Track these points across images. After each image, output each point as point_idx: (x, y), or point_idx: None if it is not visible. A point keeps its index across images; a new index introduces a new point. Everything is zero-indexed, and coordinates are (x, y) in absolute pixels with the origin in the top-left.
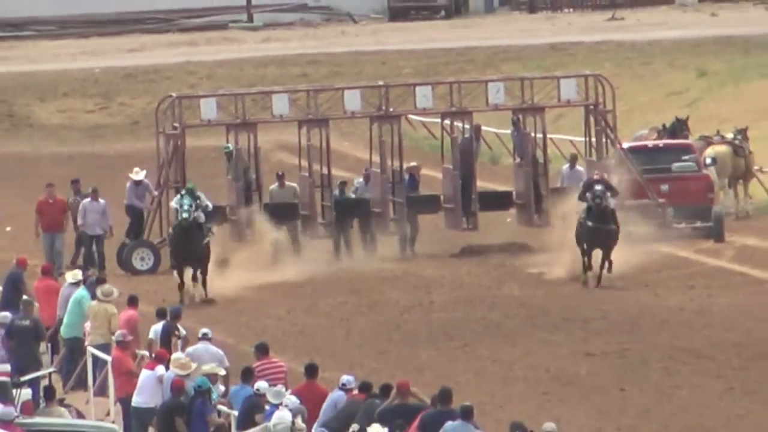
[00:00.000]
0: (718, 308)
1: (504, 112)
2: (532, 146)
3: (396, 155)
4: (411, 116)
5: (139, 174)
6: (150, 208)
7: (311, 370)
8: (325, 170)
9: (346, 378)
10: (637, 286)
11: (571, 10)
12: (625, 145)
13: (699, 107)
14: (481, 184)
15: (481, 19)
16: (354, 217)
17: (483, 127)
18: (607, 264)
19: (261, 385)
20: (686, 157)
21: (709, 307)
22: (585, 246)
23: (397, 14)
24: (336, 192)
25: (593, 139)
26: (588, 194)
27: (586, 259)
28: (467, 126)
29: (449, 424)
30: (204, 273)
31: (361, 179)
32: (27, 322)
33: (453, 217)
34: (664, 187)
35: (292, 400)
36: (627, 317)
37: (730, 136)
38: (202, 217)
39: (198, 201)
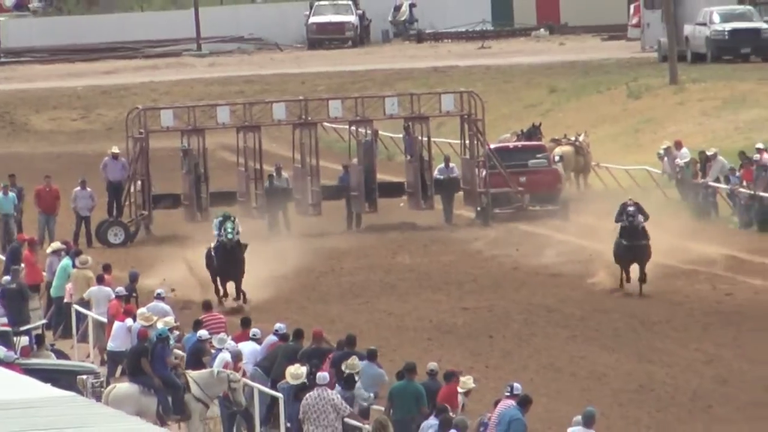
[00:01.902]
0: (566, 272)
1: (397, 121)
2: (419, 147)
3: (313, 154)
4: (325, 124)
5: (115, 149)
6: (125, 182)
7: (246, 322)
8: (257, 166)
9: (278, 325)
10: (502, 256)
11: (450, 40)
12: (492, 146)
13: (549, 116)
14: (380, 177)
15: (380, 48)
16: (280, 202)
17: (380, 132)
18: (643, 275)
19: (202, 333)
20: (539, 156)
21: (559, 271)
22: (621, 261)
23: (314, 44)
24: (266, 183)
25: (467, 142)
26: (623, 215)
27: (623, 273)
28: (369, 131)
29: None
30: (240, 283)
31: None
32: (14, 286)
33: (358, 202)
34: (522, 179)
35: (231, 344)
36: (493, 280)
37: (576, 137)
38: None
39: (236, 223)
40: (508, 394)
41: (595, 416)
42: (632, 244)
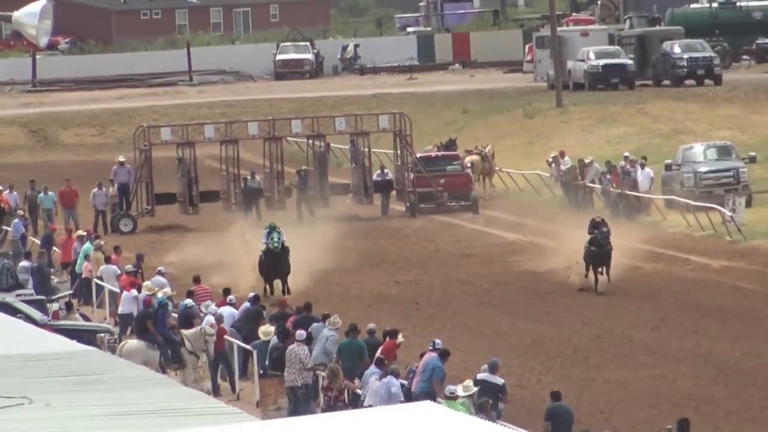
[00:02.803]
0: (476, 254)
1: (345, 136)
2: (362, 156)
3: (279, 162)
4: (288, 138)
5: (121, 158)
6: (132, 184)
7: (226, 291)
8: (236, 171)
9: (251, 294)
10: (425, 241)
11: (385, 73)
12: (418, 155)
13: (463, 132)
14: (331, 179)
15: (331, 79)
16: (254, 199)
17: (332, 144)
18: (606, 276)
19: (188, 301)
20: (455, 162)
21: (471, 252)
22: (591, 265)
23: (280, 76)
24: (243, 184)
25: (399, 152)
26: (594, 228)
27: (588, 273)
28: (322, 144)
29: (315, 324)
30: (286, 281)
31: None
32: (36, 264)
33: (314, 198)
34: (442, 181)
35: (214, 309)
36: (420, 260)
37: (482, 149)
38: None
39: (281, 233)
40: (431, 348)
41: (498, 365)
42: (600, 251)
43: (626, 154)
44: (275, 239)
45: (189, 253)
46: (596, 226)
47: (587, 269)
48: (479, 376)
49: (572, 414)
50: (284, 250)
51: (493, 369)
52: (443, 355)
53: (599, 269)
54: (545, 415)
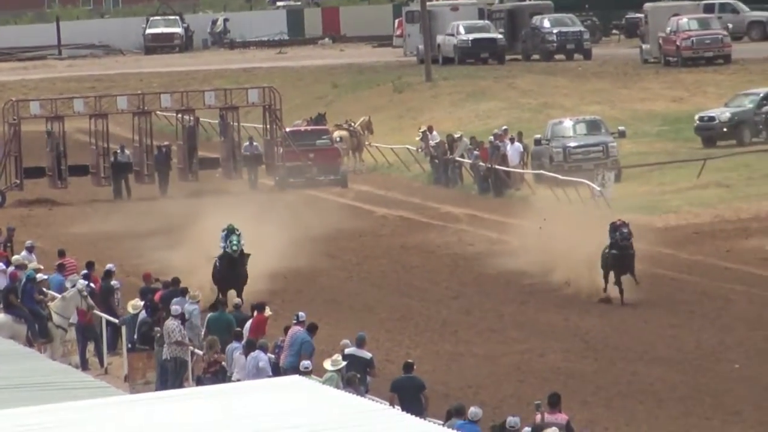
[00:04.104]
0: (345, 228)
1: (214, 110)
2: (231, 130)
3: (148, 136)
4: (158, 112)
5: None
6: (1, 158)
7: (89, 265)
8: (105, 145)
9: (108, 266)
10: (295, 216)
11: (255, 47)
12: (288, 129)
13: (332, 107)
14: (201, 153)
15: (201, 53)
16: (123, 173)
17: (201, 119)
18: (633, 278)
19: (40, 276)
20: (324, 137)
21: (340, 227)
22: (613, 270)
23: (150, 50)
24: (112, 158)
25: (268, 126)
26: (615, 232)
27: (606, 279)
28: (192, 118)
29: (175, 299)
30: (242, 290)
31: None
32: None
33: (182, 172)
34: (311, 155)
35: (82, 282)
36: (289, 234)
37: (351, 123)
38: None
39: (240, 236)
40: (295, 321)
41: (366, 339)
42: (622, 254)
43: (497, 130)
44: (234, 242)
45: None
46: (616, 228)
47: (606, 278)
48: (347, 350)
49: (422, 386)
50: (242, 256)
51: (360, 343)
52: (311, 329)
53: (621, 276)
54: (391, 386)
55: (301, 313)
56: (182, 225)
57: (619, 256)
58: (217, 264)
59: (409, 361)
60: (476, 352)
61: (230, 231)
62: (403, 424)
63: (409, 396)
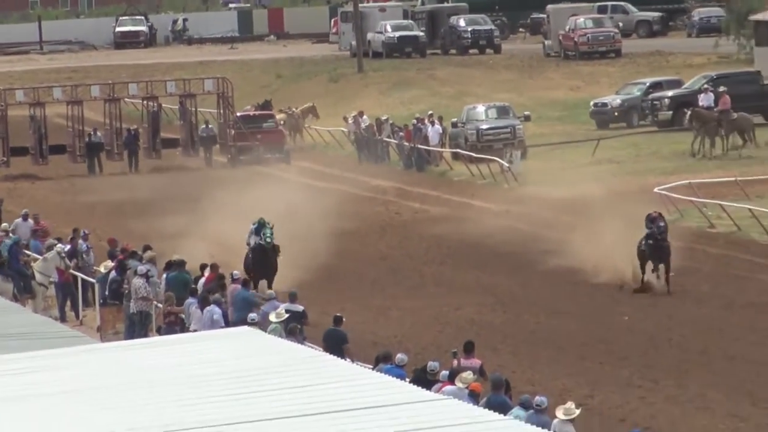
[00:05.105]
0: (292, 200)
1: (174, 97)
2: (189, 115)
3: (117, 120)
4: (126, 99)
5: None
6: None
7: (75, 231)
8: (80, 128)
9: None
10: (248, 188)
11: (210, 43)
12: (238, 114)
13: (277, 94)
14: (163, 135)
15: (163, 48)
16: (97, 151)
17: (163, 105)
18: (667, 273)
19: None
20: (270, 120)
21: (294, 199)
22: (649, 260)
23: (119, 45)
24: (87, 139)
25: (222, 111)
26: (652, 223)
27: (643, 270)
28: (155, 104)
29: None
30: (272, 281)
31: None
32: None
33: (147, 151)
34: (259, 136)
35: (60, 246)
36: (237, 204)
37: (292, 109)
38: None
39: (272, 229)
40: (231, 280)
41: (297, 294)
42: (657, 245)
43: (418, 114)
44: (267, 234)
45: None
46: (653, 221)
47: (643, 269)
48: (283, 306)
49: (344, 339)
50: (274, 248)
51: (292, 299)
52: (245, 284)
53: (658, 266)
54: (322, 337)
55: (235, 272)
56: (148, 196)
57: (655, 246)
58: (250, 255)
59: (338, 315)
60: (401, 306)
61: (261, 225)
62: (337, 369)
63: (333, 346)
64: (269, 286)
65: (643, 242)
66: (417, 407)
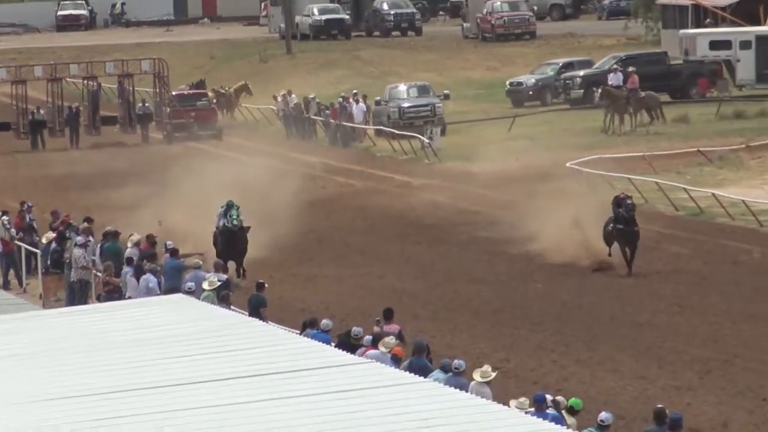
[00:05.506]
0: (223, 174)
1: (113, 77)
2: (127, 94)
3: (59, 98)
4: (68, 79)
5: None
6: None
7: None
8: (24, 106)
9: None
10: (182, 162)
11: (147, 26)
12: (174, 93)
13: (210, 75)
14: (102, 113)
15: (103, 31)
16: (40, 129)
17: (102, 84)
18: (632, 256)
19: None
20: (203, 99)
21: (225, 174)
22: (617, 243)
23: (61, 28)
24: (30, 117)
25: (158, 90)
26: (620, 205)
27: (609, 254)
28: (95, 84)
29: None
30: (241, 263)
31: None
32: None
33: (88, 128)
34: (193, 114)
35: (5, 218)
36: (173, 173)
37: (224, 88)
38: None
39: (239, 211)
40: (165, 249)
41: (221, 264)
42: (627, 229)
43: (343, 93)
44: (234, 217)
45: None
46: (620, 203)
47: (609, 251)
48: (209, 275)
49: (263, 302)
50: (242, 230)
51: (217, 268)
52: (173, 253)
53: (625, 249)
54: (247, 302)
55: (168, 242)
56: (88, 171)
57: (624, 231)
58: (218, 237)
59: (260, 281)
60: (327, 274)
61: (229, 206)
62: (267, 334)
63: (253, 310)
64: (238, 268)
65: (611, 225)
66: (342, 370)
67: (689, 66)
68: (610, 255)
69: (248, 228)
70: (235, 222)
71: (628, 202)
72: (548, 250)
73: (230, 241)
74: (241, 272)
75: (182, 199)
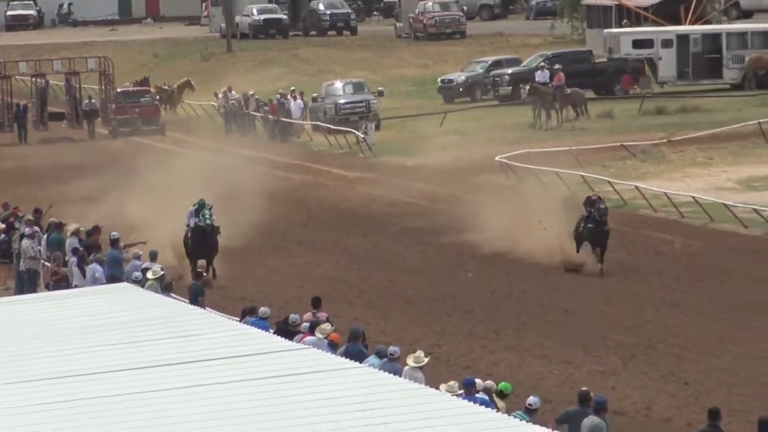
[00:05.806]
0: (167, 168)
1: (61, 75)
2: (74, 90)
3: (9, 95)
4: (16, 76)
5: None
6: None
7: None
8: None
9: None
10: (126, 155)
11: (93, 26)
12: (119, 89)
13: (154, 72)
14: (50, 109)
15: (51, 30)
16: (24, 120)
17: (50, 81)
18: (602, 257)
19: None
20: (147, 96)
21: (168, 168)
22: (588, 243)
23: (10, 28)
24: (15, 109)
25: (104, 87)
26: (592, 206)
27: (578, 251)
28: (43, 81)
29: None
30: (212, 261)
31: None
32: None
33: (36, 124)
34: (137, 110)
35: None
36: (121, 164)
37: (167, 85)
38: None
39: (211, 210)
40: (110, 240)
41: (157, 253)
42: (597, 229)
43: (281, 90)
44: (206, 216)
45: None
46: (592, 203)
47: (578, 250)
48: (145, 264)
49: (201, 291)
50: (213, 229)
51: (153, 258)
52: (114, 244)
53: (596, 249)
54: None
55: (113, 233)
56: (37, 165)
57: (595, 231)
58: (188, 236)
59: (199, 270)
60: (266, 264)
61: (201, 205)
62: (209, 321)
63: (193, 298)
64: (208, 266)
65: (582, 225)
66: (281, 356)
67: (613, 64)
68: (578, 252)
69: (218, 227)
70: (208, 221)
71: (601, 206)
72: (480, 240)
73: (201, 240)
74: (210, 271)
75: (129, 191)
